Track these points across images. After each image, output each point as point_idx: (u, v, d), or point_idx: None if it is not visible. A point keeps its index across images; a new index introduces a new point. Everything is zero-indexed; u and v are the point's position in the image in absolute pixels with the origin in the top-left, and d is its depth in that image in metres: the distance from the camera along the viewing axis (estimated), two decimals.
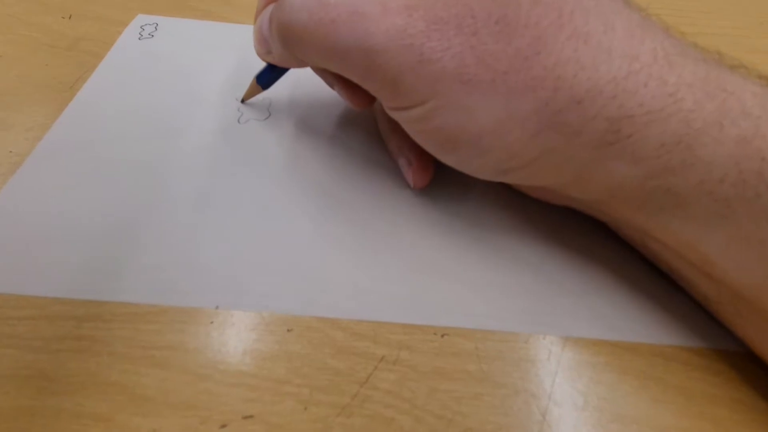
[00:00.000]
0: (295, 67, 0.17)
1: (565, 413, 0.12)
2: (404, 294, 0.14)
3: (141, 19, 0.24)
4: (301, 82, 0.21)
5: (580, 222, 0.16)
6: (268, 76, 0.18)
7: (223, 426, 0.11)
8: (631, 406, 0.12)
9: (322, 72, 0.17)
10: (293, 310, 0.14)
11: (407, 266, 0.15)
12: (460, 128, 0.13)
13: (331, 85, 0.16)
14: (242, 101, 0.20)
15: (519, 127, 0.12)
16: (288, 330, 0.13)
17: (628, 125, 0.12)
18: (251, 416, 0.12)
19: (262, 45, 0.16)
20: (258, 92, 0.19)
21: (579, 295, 0.14)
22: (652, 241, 0.14)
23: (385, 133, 0.18)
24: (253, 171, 0.17)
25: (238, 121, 0.19)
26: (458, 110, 0.13)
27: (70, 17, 0.23)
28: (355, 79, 0.14)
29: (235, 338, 0.13)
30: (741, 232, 0.11)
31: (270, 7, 0.16)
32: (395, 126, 0.17)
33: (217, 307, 0.14)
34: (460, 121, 0.13)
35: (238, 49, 0.22)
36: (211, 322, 0.13)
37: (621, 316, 0.14)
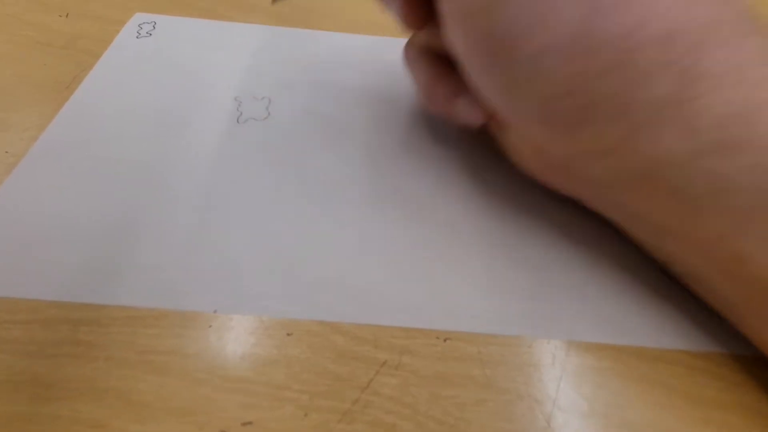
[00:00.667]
0: None
1: (570, 419, 0.12)
2: (406, 298, 0.14)
3: (139, 17, 0.23)
4: (300, 83, 0.21)
5: (584, 226, 0.16)
6: None
7: None
8: (636, 412, 0.12)
9: None
10: (293, 314, 0.13)
11: (409, 270, 0.15)
12: (526, 34, 0.11)
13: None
14: (273, 1, 0.17)
15: (592, 54, 0.11)
16: (288, 334, 0.13)
17: (699, 84, 0.11)
18: (250, 423, 0.11)
19: None
20: None
21: (583, 298, 0.14)
22: (671, 239, 0.13)
23: (432, 84, 0.16)
24: (252, 172, 0.17)
25: (237, 121, 0.19)
26: (531, 12, 0.11)
27: (67, 16, 0.23)
28: None
29: (234, 342, 0.13)
30: None
31: None
32: (439, 65, 0.16)
33: (215, 311, 0.13)
34: (529, 24, 0.11)
35: (237, 48, 0.22)
36: (210, 326, 0.13)
37: (625, 319, 0.14)
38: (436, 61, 0.16)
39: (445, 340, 0.13)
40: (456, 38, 0.13)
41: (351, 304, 0.14)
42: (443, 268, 0.15)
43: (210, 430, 0.11)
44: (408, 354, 0.13)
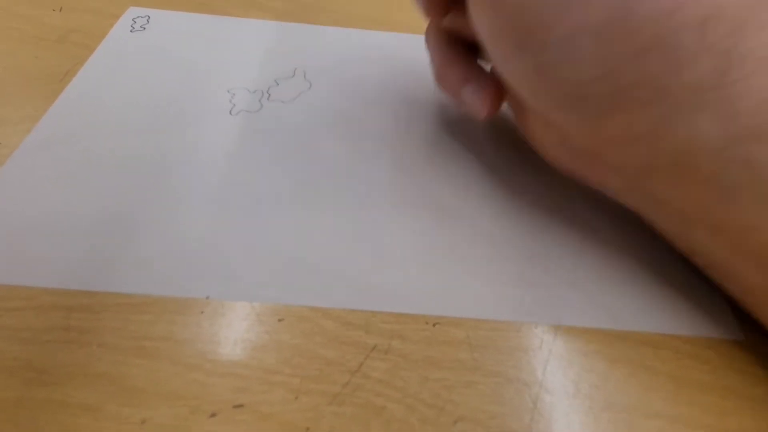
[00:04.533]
0: None
1: (557, 401, 0.12)
2: (396, 283, 0.14)
3: (133, 11, 0.23)
4: (293, 76, 0.21)
5: (572, 213, 0.16)
6: None
7: (213, 415, 0.11)
8: (622, 394, 0.12)
9: None
10: (284, 300, 0.14)
11: (399, 256, 0.15)
12: (558, 14, 0.11)
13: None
14: None
15: (627, 36, 0.11)
16: (279, 320, 0.13)
17: (738, 68, 0.10)
18: (241, 405, 0.12)
19: None
20: None
21: (571, 284, 0.14)
22: (700, 228, 0.12)
23: (444, 66, 0.16)
24: (244, 162, 0.17)
25: (230, 113, 0.19)
26: None
27: (60, 9, 0.23)
28: None
29: (226, 328, 0.13)
30: None
31: None
32: (455, 49, 0.16)
33: (207, 297, 0.13)
34: (565, 6, 0.11)
35: (230, 42, 0.22)
36: (202, 312, 0.13)
37: (612, 304, 0.14)
38: (453, 45, 0.16)
39: (434, 325, 0.13)
40: (482, 23, 0.13)
41: (342, 290, 0.14)
42: (433, 255, 0.15)
43: (201, 413, 0.11)
44: (398, 338, 0.13)
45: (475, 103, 0.15)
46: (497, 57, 0.13)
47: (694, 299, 0.14)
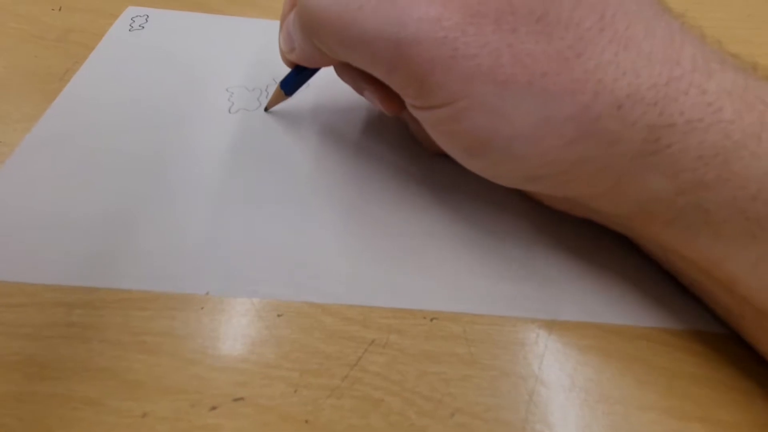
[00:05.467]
0: (318, 65, 0.16)
1: (553, 394, 0.12)
2: (394, 279, 0.14)
3: (132, 11, 0.23)
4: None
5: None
6: (292, 82, 0.18)
7: (213, 408, 0.12)
8: (616, 387, 0.13)
9: (349, 74, 0.15)
10: (283, 296, 0.14)
11: (397, 252, 0.15)
12: (491, 131, 0.12)
13: (361, 91, 0.15)
14: (266, 110, 0.19)
15: (555, 133, 0.12)
16: (278, 315, 0.13)
17: (668, 134, 0.11)
18: (241, 398, 0.12)
19: (287, 42, 0.16)
20: (282, 99, 0.19)
21: (566, 280, 0.15)
22: (677, 256, 0.13)
23: (419, 134, 0.17)
24: (243, 159, 0.17)
25: (229, 111, 0.19)
26: (490, 112, 0.12)
27: (60, 9, 0.23)
28: (378, 74, 0.13)
29: (226, 324, 0.13)
30: None
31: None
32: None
33: (207, 293, 0.14)
34: (492, 124, 0.12)
35: (229, 41, 0.22)
36: (202, 308, 0.13)
37: (606, 300, 0.14)
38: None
39: (431, 320, 0.14)
40: (434, 136, 0.14)
41: (340, 285, 0.14)
42: (430, 251, 0.15)
43: (202, 406, 0.12)
44: (396, 333, 0.13)
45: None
46: (456, 159, 0.14)
47: (686, 294, 0.14)
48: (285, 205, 0.16)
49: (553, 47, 0.11)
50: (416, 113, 0.14)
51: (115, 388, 0.12)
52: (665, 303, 0.14)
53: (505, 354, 0.13)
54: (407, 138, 0.19)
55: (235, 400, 0.12)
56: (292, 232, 0.15)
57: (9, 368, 0.12)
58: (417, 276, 0.14)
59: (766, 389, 0.13)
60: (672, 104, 0.11)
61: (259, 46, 0.22)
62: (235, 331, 0.13)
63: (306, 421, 0.12)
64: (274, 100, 0.19)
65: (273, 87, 0.20)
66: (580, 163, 0.12)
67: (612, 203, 0.13)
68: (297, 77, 0.18)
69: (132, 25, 0.23)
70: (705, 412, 0.12)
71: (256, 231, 0.15)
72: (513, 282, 0.14)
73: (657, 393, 0.13)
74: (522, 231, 0.16)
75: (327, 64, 0.16)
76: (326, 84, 0.21)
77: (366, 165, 0.17)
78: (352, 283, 0.14)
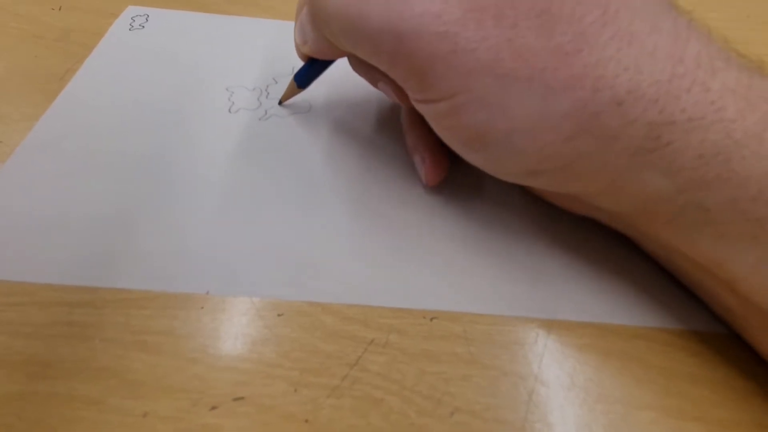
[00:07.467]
0: (329, 57, 0.16)
1: (552, 393, 0.12)
2: (394, 278, 0.14)
3: (132, 10, 0.23)
4: (291, 75, 0.21)
5: (568, 213, 0.16)
6: (305, 74, 0.18)
7: (214, 408, 0.12)
8: (615, 386, 0.13)
9: (362, 66, 0.15)
10: (284, 295, 0.14)
11: (397, 251, 0.15)
12: (490, 126, 0.12)
13: (375, 82, 0.15)
14: (280, 103, 0.19)
15: (554, 129, 0.12)
16: (278, 315, 0.13)
17: (668, 132, 0.11)
18: (242, 398, 0.12)
19: (301, 35, 0.16)
20: (296, 93, 0.19)
21: (565, 279, 0.15)
22: (678, 256, 0.13)
23: (405, 128, 0.18)
24: (244, 159, 0.17)
25: (229, 111, 0.19)
26: (489, 106, 0.12)
27: (60, 9, 0.23)
28: (382, 67, 0.13)
29: (226, 323, 0.13)
30: None
31: None
32: (416, 122, 0.17)
33: (207, 293, 0.14)
34: (491, 118, 0.12)
35: (229, 41, 0.22)
36: (202, 308, 0.13)
37: (605, 299, 0.14)
38: (414, 114, 0.17)
39: (431, 320, 0.14)
40: (435, 130, 0.14)
41: (340, 285, 0.14)
42: (430, 251, 0.15)
43: (202, 405, 0.12)
44: (396, 333, 0.13)
45: (420, 171, 0.17)
46: (456, 152, 0.14)
47: (685, 293, 0.14)
48: (284, 204, 0.16)
49: (554, 42, 0.11)
50: (418, 106, 0.14)
51: (115, 388, 0.12)
52: (664, 303, 0.14)
53: (505, 353, 0.13)
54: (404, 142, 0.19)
55: (236, 399, 0.12)
56: (293, 231, 0.15)
57: (10, 367, 0.12)
58: (417, 276, 0.14)
59: (764, 389, 0.13)
60: (674, 102, 0.11)
61: (260, 46, 0.22)
62: (236, 330, 0.13)
63: (306, 421, 0.12)
64: (289, 94, 0.19)
65: (273, 87, 0.20)
66: (579, 159, 0.12)
67: (612, 200, 0.13)
68: (310, 70, 0.18)
69: (132, 24, 0.23)
70: (703, 412, 0.12)
71: (257, 230, 0.15)
72: (513, 282, 0.15)
73: (655, 392, 0.13)
74: (522, 231, 0.16)
75: (338, 56, 0.16)
76: (326, 84, 0.21)
77: (366, 165, 0.18)
78: (352, 283, 0.14)
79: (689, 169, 0.11)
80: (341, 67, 0.22)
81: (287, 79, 0.21)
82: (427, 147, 0.16)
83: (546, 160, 0.12)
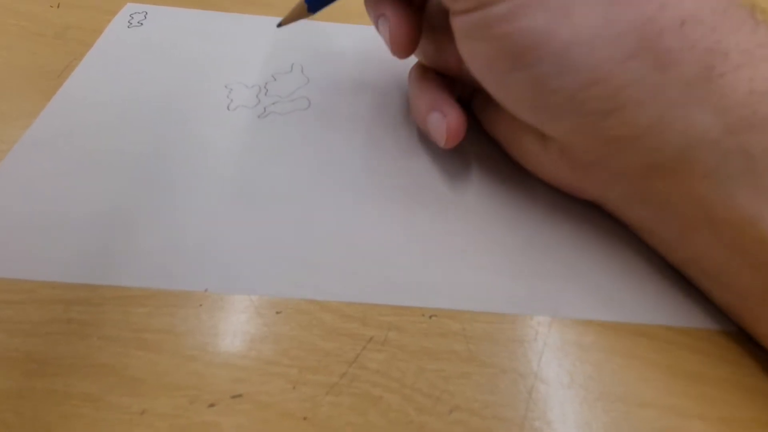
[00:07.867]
0: None
1: (552, 391, 0.12)
2: (393, 276, 0.14)
3: (130, 7, 0.23)
4: (291, 72, 0.21)
5: (568, 207, 0.16)
6: None
7: (212, 405, 0.12)
8: (616, 384, 0.13)
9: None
10: (282, 293, 0.14)
11: (396, 249, 0.15)
12: (550, 34, 0.12)
13: (377, 18, 0.15)
14: (279, 25, 0.18)
15: (614, 43, 0.11)
16: (277, 312, 0.13)
17: (722, 63, 0.11)
18: (240, 395, 0.12)
19: None
20: (302, 17, 0.17)
21: (566, 276, 0.15)
22: (699, 229, 0.13)
23: (417, 90, 0.17)
24: (242, 156, 0.17)
25: (228, 108, 0.19)
26: (552, 11, 0.11)
27: (58, 6, 0.23)
28: None
29: (225, 321, 0.13)
30: None
31: None
32: (429, 78, 0.16)
33: (206, 290, 0.14)
34: (551, 25, 0.11)
35: (227, 38, 0.22)
36: (201, 305, 0.13)
37: (606, 297, 0.14)
38: (426, 78, 0.17)
39: (430, 317, 0.14)
40: (472, 51, 0.13)
41: (339, 283, 0.14)
42: (429, 248, 0.15)
43: (201, 403, 0.12)
44: (395, 330, 0.13)
45: (438, 130, 0.16)
46: (492, 81, 0.14)
47: (687, 291, 0.14)
48: (283, 202, 0.16)
49: None
50: (461, 18, 0.13)
51: (114, 385, 0.12)
52: (665, 300, 0.14)
53: (504, 351, 0.13)
54: (408, 136, 0.19)
55: (234, 396, 0.12)
56: (291, 229, 0.15)
57: (8, 365, 0.12)
58: (416, 273, 0.14)
59: (766, 387, 0.13)
60: (728, 34, 0.11)
61: (258, 43, 0.22)
62: (234, 328, 0.13)
63: (304, 418, 0.12)
64: (293, 16, 0.17)
65: (272, 84, 0.20)
66: (631, 86, 0.12)
67: (651, 147, 0.12)
68: None
69: (131, 21, 0.23)
70: (706, 410, 0.12)
71: (255, 228, 0.15)
72: (512, 279, 0.14)
73: (657, 390, 0.13)
74: (521, 228, 0.16)
75: None
76: (327, 81, 0.21)
77: (365, 163, 0.17)
78: (351, 281, 0.14)
79: (739, 107, 0.11)
80: (341, 66, 0.21)
81: (286, 77, 0.21)
82: (447, 101, 0.15)
83: (596, 84, 0.12)
